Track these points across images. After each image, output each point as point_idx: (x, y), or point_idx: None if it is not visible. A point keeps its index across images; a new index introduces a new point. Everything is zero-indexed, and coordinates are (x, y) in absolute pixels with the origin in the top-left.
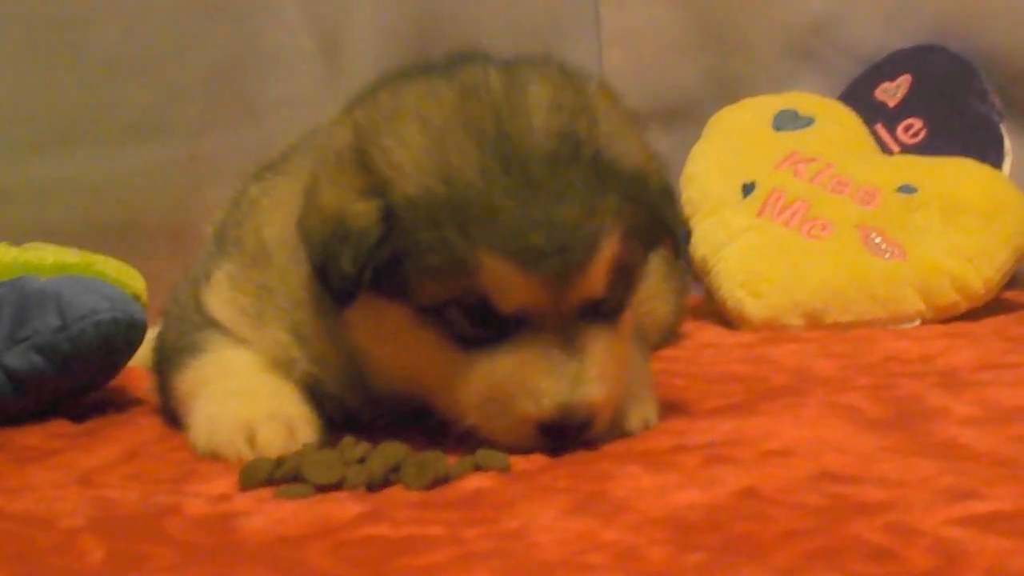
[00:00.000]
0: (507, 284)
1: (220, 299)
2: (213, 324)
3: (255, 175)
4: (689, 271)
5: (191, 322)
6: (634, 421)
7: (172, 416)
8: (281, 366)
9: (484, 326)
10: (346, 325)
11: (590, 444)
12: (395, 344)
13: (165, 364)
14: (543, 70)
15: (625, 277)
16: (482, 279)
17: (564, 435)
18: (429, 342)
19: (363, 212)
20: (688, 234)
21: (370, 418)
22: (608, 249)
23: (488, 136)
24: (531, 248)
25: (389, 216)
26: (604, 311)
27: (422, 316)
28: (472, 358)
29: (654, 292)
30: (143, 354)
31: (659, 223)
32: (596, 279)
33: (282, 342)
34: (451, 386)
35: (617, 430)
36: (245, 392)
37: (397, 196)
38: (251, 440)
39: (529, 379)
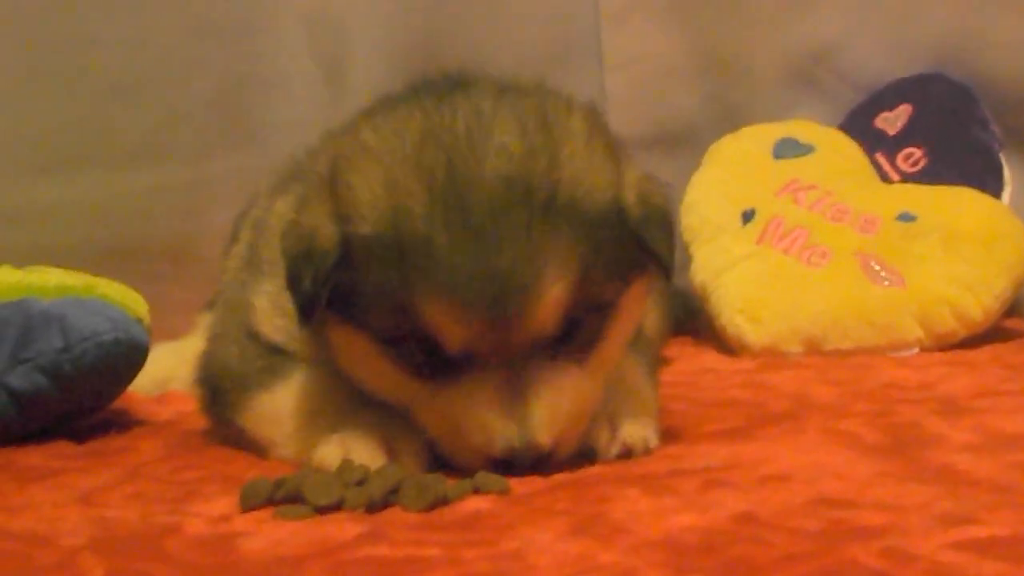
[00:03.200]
0: (445, 329)
1: (271, 326)
2: (277, 350)
3: (276, 187)
4: (674, 291)
5: (254, 348)
6: (636, 439)
7: (229, 434)
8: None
9: (439, 361)
10: (331, 346)
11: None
12: (366, 368)
13: (229, 380)
14: (516, 107)
15: (595, 313)
16: (424, 322)
17: (519, 469)
18: (391, 371)
19: (326, 235)
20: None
21: None
22: (554, 293)
23: (438, 182)
24: (465, 296)
25: (347, 246)
26: (572, 348)
27: (383, 346)
28: (429, 388)
29: None
30: (141, 381)
31: (643, 252)
32: (541, 322)
33: (325, 359)
34: (416, 412)
35: (614, 446)
36: (349, 413)
37: (353, 232)
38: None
39: (478, 417)
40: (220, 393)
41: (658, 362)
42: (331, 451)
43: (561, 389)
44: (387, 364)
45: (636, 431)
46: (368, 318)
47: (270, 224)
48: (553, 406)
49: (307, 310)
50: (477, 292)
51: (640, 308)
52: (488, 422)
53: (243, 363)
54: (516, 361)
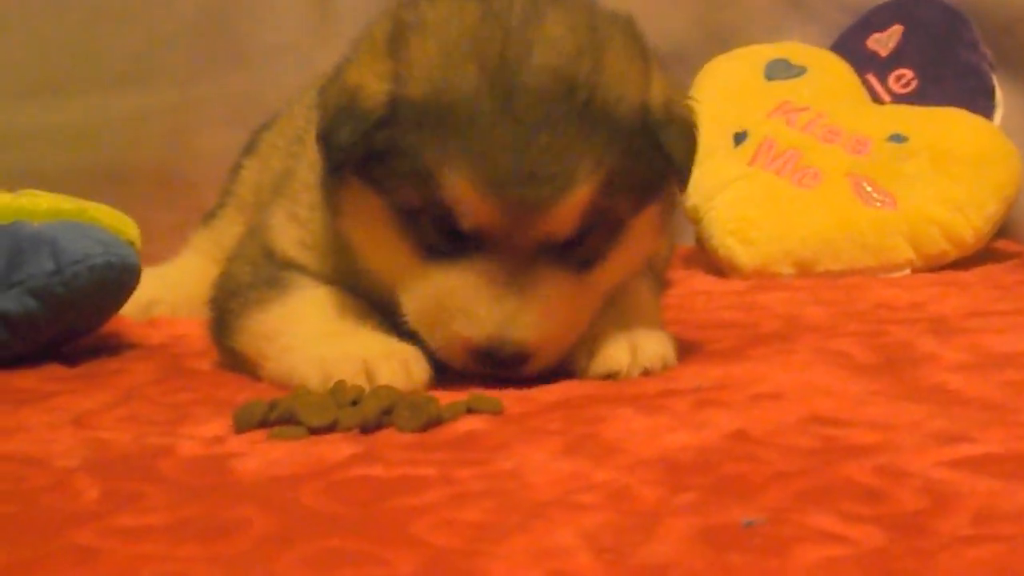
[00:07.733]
0: (467, 202)
1: (286, 241)
2: (289, 266)
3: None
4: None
5: (267, 266)
6: (654, 360)
7: (232, 356)
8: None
9: (447, 239)
10: (339, 211)
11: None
12: (371, 237)
13: (236, 299)
14: (567, 7)
15: (606, 227)
16: (447, 192)
17: (495, 364)
18: (397, 242)
19: (375, 92)
20: None
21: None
22: (580, 191)
23: (490, 62)
24: (495, 172)
25: (394, 106)
26: (577, 258)
27: (396, 216)
28: (430, 266)
29: None
30: (129, 307)
31: (665, 164)
32: (562, 218)
33: (341, 268)
34: (406, 289)
35: (635, 368)
36: (349, 331)
37: (404, 92)
38: (371, 379)
39: (469, 301)
40: (225, 314)
41: (663, 286)
42: (311, 371)
43: (558, 296)
44: (394, 235)
45: (656, 351)
46: (390, 183)
47: (299, 142)
48: (546, 309)
49: (338, 163)
50: (508, 171)
51: (652, 236)
52: (476, 306)
53: (253, 279)
54: (522, 255)
